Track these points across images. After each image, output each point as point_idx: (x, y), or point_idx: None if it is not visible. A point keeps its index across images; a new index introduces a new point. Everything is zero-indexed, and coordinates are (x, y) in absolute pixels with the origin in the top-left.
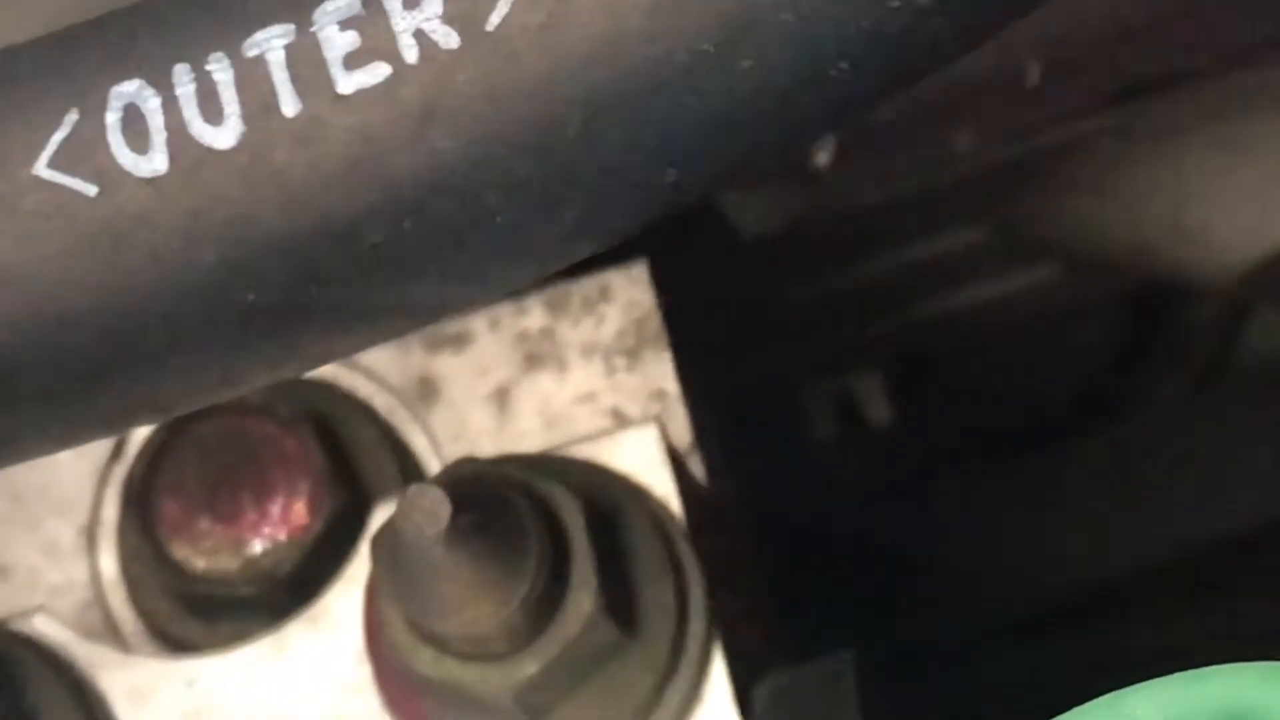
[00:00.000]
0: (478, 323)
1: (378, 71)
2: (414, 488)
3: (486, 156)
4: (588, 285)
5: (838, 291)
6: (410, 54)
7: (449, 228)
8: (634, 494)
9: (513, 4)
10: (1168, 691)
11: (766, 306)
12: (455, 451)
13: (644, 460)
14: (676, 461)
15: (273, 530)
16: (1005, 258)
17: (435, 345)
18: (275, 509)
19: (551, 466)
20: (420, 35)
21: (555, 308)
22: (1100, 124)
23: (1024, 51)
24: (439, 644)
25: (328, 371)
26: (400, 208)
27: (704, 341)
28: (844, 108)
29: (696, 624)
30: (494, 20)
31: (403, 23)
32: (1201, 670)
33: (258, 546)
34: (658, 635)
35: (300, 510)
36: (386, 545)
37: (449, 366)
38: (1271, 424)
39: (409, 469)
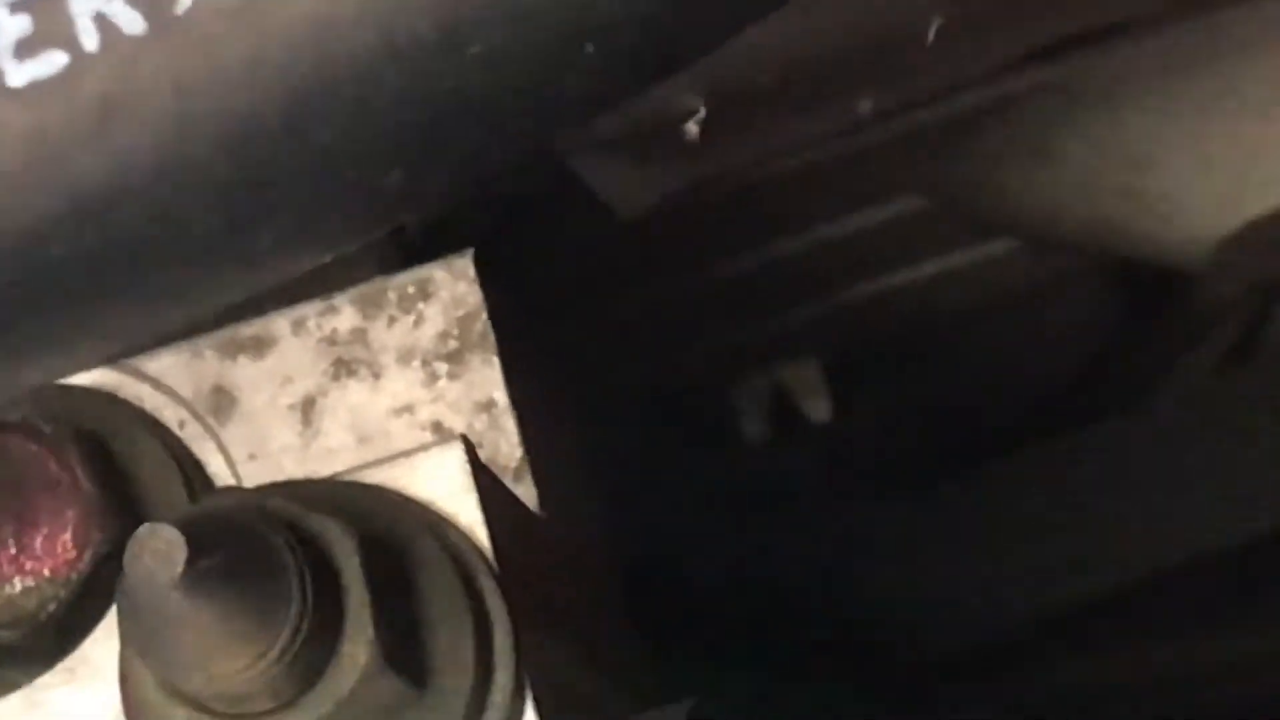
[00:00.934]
0: (280, 324)
1: (53, 62)
2: (145, 527)
3: (178, 157)
4: (405, 280)
5: (756, 272)
6: (89, 41)
7: (138, 238)
8: (433, 526)
9: None
10: None
11: (667, 294)
12: (253, 471)
13: (447, 485)
14: (498, 484)
15: (35, 566)
16: (952, 233)
17: (231, 350)
18: (37, 542)
19: (332, 495)
20: (101, 20)
21: (368, 306)
22: (1033, 81)
23: (922, 7)
24: (193, 703)
25: (108, 380)
26: (83, 216)
27: (564, 341)
28: (594, 96)
29: (502, 675)
30: (184, 2)
31: (81, 5)
32: None
33: (17, 585)
34: (453, 689)
35: (66, 543)
36: (124, 592)
37: (247, 374)
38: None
39: (201, 493)
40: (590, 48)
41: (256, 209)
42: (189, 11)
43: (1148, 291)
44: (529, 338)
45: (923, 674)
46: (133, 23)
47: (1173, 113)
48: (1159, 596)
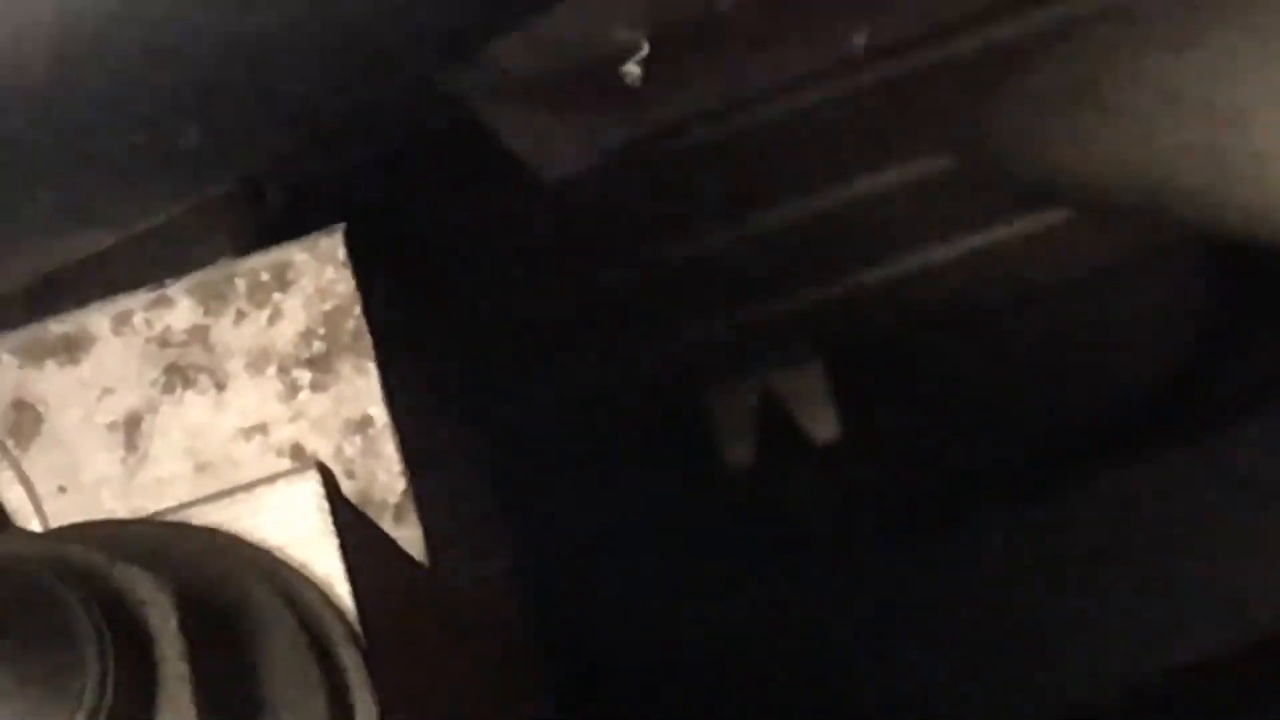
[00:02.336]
0: (97, 320)
1: None
2: None
3: None
4: (258, 264)
5: (734, 251)
6: None
7: None
8: (279, 579)
9: None
10: None
11: (614, 279)
12: (62, 509)
13: (299, 527)
14: (368, 527)
15: None
16: (989, 201)
17: (36, 354)
18: None
19: (150, 540)
20: None
21: (210, 298)
22: (1083, 6)
23: None
24: None
25: None
26: None
27: (469, 342)
28: (455, 31)
29: None
30: None
31: None
32: None
33: None
34: None
35: None
36: None
37: (56, 384)
38: None
39: None
40: None
41: (18, 178)
42: None
43: (1240, 279)
44: (421, 338)
45: None
46: None
47: (1264, 53)
48: (1227, 678)
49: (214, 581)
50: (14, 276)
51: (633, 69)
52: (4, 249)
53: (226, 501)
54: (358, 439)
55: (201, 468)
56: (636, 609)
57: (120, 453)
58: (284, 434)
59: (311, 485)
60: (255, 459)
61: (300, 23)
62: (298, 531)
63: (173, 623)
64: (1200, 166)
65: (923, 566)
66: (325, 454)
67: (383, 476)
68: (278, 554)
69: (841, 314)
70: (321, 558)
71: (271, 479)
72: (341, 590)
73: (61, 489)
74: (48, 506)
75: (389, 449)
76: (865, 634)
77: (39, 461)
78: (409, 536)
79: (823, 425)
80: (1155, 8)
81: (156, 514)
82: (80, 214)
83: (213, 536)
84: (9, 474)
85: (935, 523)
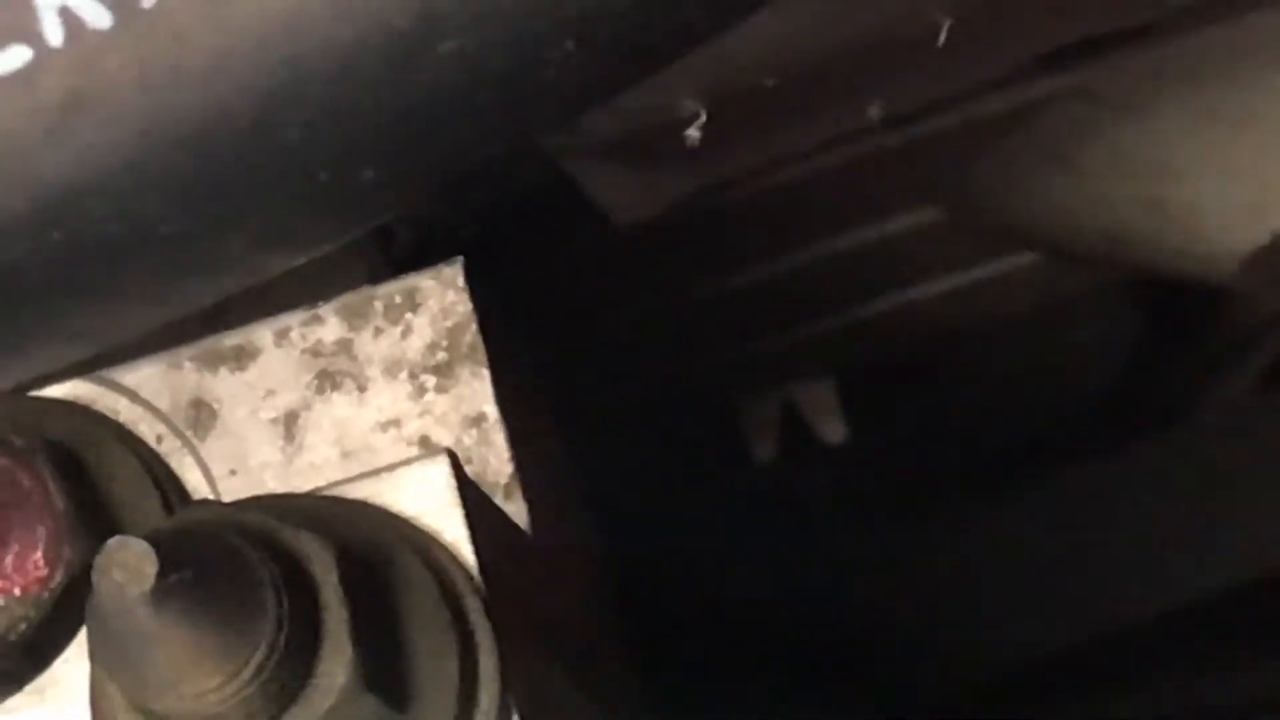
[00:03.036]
0: (262, 333)
1: (17, 56)
2: (114, 540)
3: (144, 155)
4: (392, 289)
5: (766, 286)
6: (54, 35)
7: (106, 238)
8: (416, 542)
9: None
10: None
11: (672, 306)
12: (234, 487)
13: (431, 501)
14: (486, 501)
15: (4, 586)
16: (971, 246)
17: (211, 361)
18: (7, 560)
19: (311, 510)
20: (66, 14)
21: (353, 317)
22: (1053, 86)
23: (930, 8)
24: None
25: (82, 392)
26: (46, 216)
27: (560, 355)
28: (575, 93)
29: (486, 698)
30: None
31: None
32: None
33: None
34: (436, 711)
35: (38, 561)
36: (92, 608)
37: (228, 386)
38: None
39: (179, 509)
40: (570, 43)
41: (225, 210)
42: (156, 5)
43: (1179, 307)
44: (522, 350)
45: (934, 704)
46: (99, 17)
47: (1198, 121)
48: (1194, 627)
49: (364, 543)
50: (218, 293)
51: (693, 133)
52: (215, 270)
53: (372, 480)
54: (474, 431)
55: (347, 455)
56: (686, 571)
57: (280, 443)
58: (414, 428)
59: (442, 466)
60: (390, 448)
61: (453, 84)
62: (431, 504)
63: (334, 575)
64: (1145, 216)
65: (914, 544)
66: (447, 443)
67: (494, 462)
68: (415, 522)
69: (850, 339)
70: (450, 525)
71: (408, 461)
72: (466, 551)
73: (232, 472)
74: (220, 486)
75: (499, 439)
76: (859, 592)
77: (214, 449)
78: (515, 510)
79: (833, 430)
80: (1112, 86)
81: (315, 490)
82: (277, 241)
83: (362, 507)
84: (190, 459)
85: (922, 512)
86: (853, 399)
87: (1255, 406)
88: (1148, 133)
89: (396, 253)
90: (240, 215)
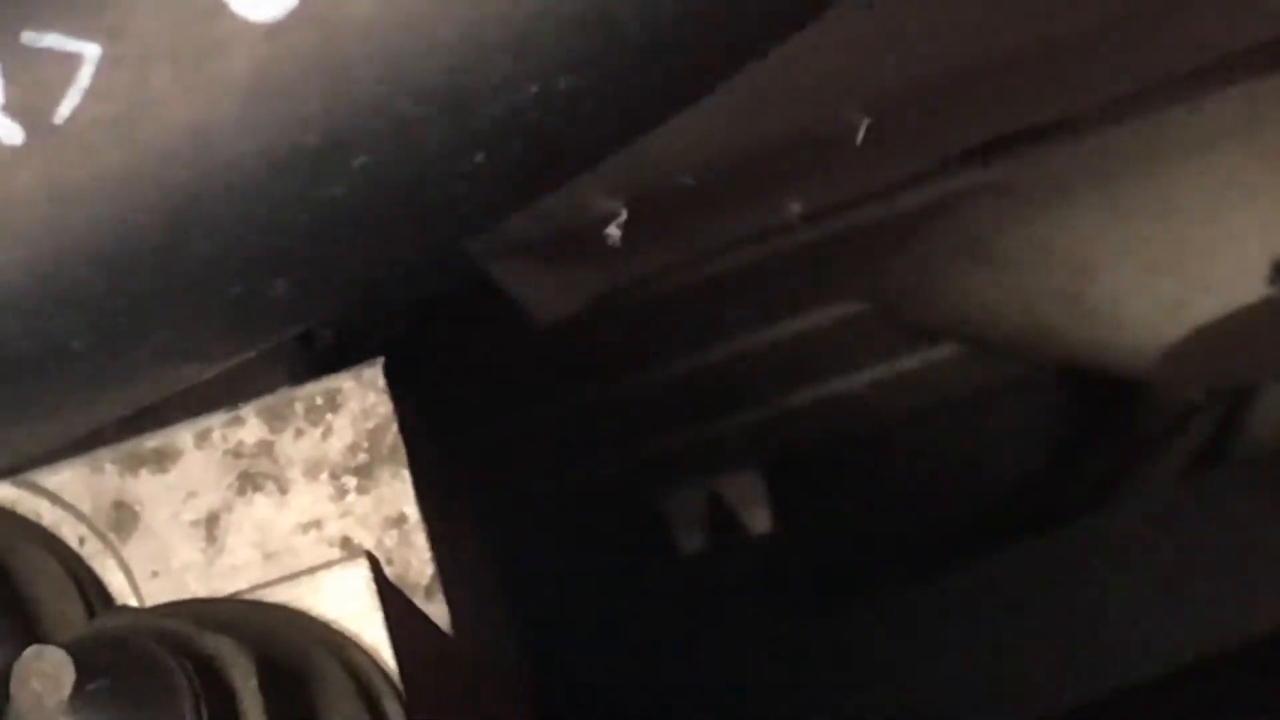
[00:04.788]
0: (183, 436)
1: None
2: (31, 650)
3: (54, 271)
4: (313, 391)
5: (689, 379)
6: None
7: (17, 355)
8: (336, 646)
9: (85, 92)
10: None
11: (594, 401)
12: (156, 589)
13: (351, 604)
14: (406, 603)
15: None
16: (892, 339)
17: (133, 463)
18: None
19: (231, 616)
20: None
21: (274, 418)
22: (972, 182)
23: (847, 107)
24: None
25: (3, 495)
26: None
27: (481, 453)
28: (489, 204)
29: None
30: (63, 112)
31: None
32: None
33: None
34: None
35: None
36: (11, 716)
37: (149, 488)
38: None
39: (100, 612)
40: (480, 155)
41: (137, 324)
42: (67, 122)
43: (1102, 396)
44: (443, 449)
45: None
46: (12, 134)
47: (1116, 215)
48: (1115, 716)
49: (284, 648)
50: (128, 405)
51: (614, 231)
52: (127, 383)
53: (291, 583)
54: (394, 532)
55: (268, 556)
56: (612, 665)
57: (202, 544)
58: (335, 528)
59: (361, 569)
60: (311, 549)
61: (365, 197)
62: (350, 607)
63: (253, 682)
64: (1065, 310)
65: (836, 631)
66: (368, 545)
67: (415, 563)
68: (335, 626)
69: (774, 431)
70: (370, 629)
71: (328, 564)
72: (386, 655)
73: (154, 574)
74: (143, 588)
75: (420, 540)
76: (793, 682)
77: (136, 551)
78: (436, 611)
79: (759, 521)
80: (1029, 181)
81: (234, 594)
82: (190, 353)
83: (282, 611)
84: (112, 561)
85: (851, 596)
86: (778, 489)
87: (1176, 495)
88: (1066, 227)
89: (317, 354)
90: (152, 329)
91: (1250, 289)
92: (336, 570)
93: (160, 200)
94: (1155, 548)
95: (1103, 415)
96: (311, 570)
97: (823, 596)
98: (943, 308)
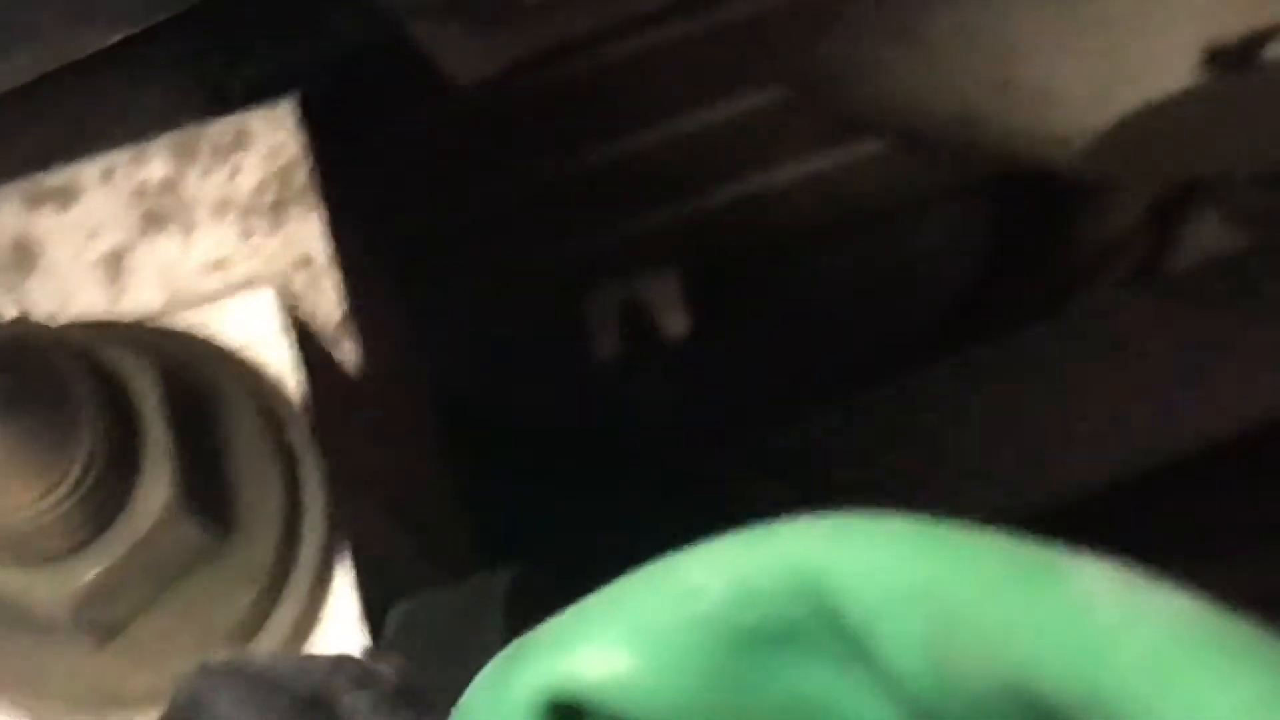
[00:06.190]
0: (86, 173)
1: None
2: None
3: None
4: (221, 128)
5: (603, 168)
6: None
7: None
8: (240, 370)
9: None
10: (729, 552)
11: (508, 185)
12: None
13: (257, 331)
14: (313, 339)
15: None
16: (816, 131)
17: (34, 201)
18: None
19: (133, 335)
20: None
21: (180, 155)
22: None
23: None
24: None
25: None
26: None
27: (399, 204)
28: None
29: (312, 525)
30: None
31: None
32: (767, 528)
33: None
34: (259, 536)
35: None
36: None
37: (50, 226)
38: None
39: None
40: None
41: None
42: None
43: (1035, 208)
44: (357, 197)
45: None
46: None
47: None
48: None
49: (187, 370)
50: (23, 71)
51: None
52: (15, 45)
53: (195, 311)
54: (303, 273)
55: (172, 297)
56: (516, 453)
57: (105, 283)
58: (241, 269)
59: (268, 296)
60: (216, 290)
61: None
62: (257, 335)
63: (155, 394)
64: (993, 96)
65: (753, 451)
66: (275, 287)
67: (324, 305)
68: (241, 351)
69: (694, 230)
70: (276, 358)
71: (233, 293)
72: (292, 384)
73: (54, 315)
74: None
75: (330, 282)
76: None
77: (35, 290)
78: (346, 352)
79: (675, 324)
80: None
81: (138, 320)
82: (84, 13)
83: (185, 338)
84: (10, 299)
85: (770, 408)
86: (700, 295)
87: (1115, 306)
88: (995, 10)
89: (229, 109)
90: None
91: (1182, 76)
92: (243, 297)
93: None
94: (1094, 358)
95: (1037, 227)
96: (217, 298)
97: (735, 408)
98: (869, 94)
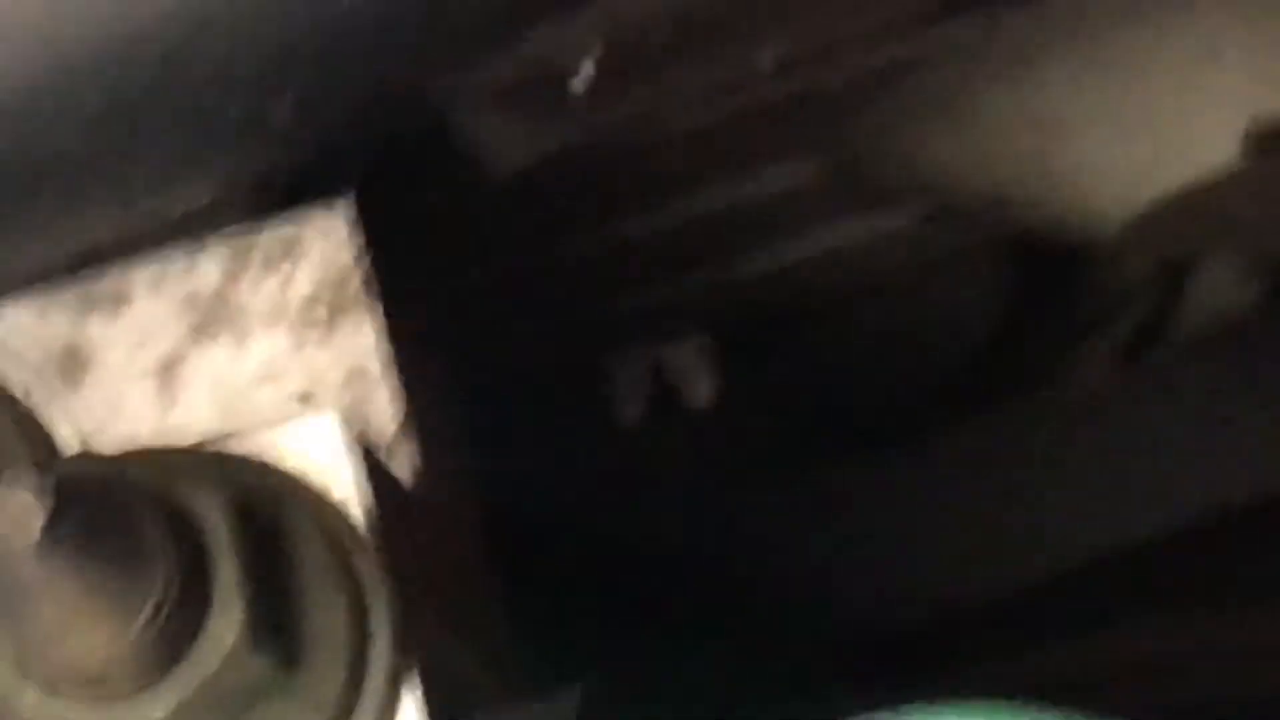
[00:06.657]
0: (137, 280)
1: None
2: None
3: (51, 85)
4: (273, 236)
5: (638, 241)
6: None
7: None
8: (305, 497)
9: None
10: None
11: (546, 262)
12: (106, 440)
13: (321, 455)
14: (372, 457)
15: None
16: (850, 202)
17: (84, 308)
18: None
19: (199, 464)
20: None
21: (232, 264)
22: (943, 38)
23: None
24: (45, 683)
25: None
26: None
27: (443, 307)
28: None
29: (380, 652)
30: None
31: None
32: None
33: None
34: (328, 666)
35: None
36: None
37: (101, 334)
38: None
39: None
40: None
41: (132, 142)
42: None
43: (1050, 270)
44: (403, 300)
45: (818, 662)
46: None
47: (1088, 78)
48: (1051, 596)
49: (254, 498)
50: (134, 221)
51: (578, 83)
52: (125, 199)
53: (256, 435)
54: (357, 386)
55: (224, 409)
56: (557, 522)
57: (156, 393)
58: (294, 382)
59: (331, 420)
60: (269, 402)
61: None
62: (320, 460)
63: (225, 528)
64: (1027, 171)
65: (774, 508)
66: (329, 400)
67: (377, 417)
68: (304, 477)
69: (723, 299)
70: (340, 482)
71: (293, 411)
72: (356, 509)
73: (106, 424)
74: (93, 441)
75: (383, 394)
76: (731, 554)
77: (85, 400)
78: (399, 465)
79: (702, 391)
80: (1001, 41)
81: (196, 443)
82: (189, 170)
83: (248, 463)
84: (60, 409)
85: (795, 470)
86: (725, 362)
87: (1119, 371)
88: (1036, 88)
89: (275, 198)
90: (146, 150)
91: (1222, 157)
92: (306, 421)
93: (162, 13)
94: (1098, 425)
95: (1048, 290)
96: (278, 422)
97: (762, 472)
98: (905, 167)
